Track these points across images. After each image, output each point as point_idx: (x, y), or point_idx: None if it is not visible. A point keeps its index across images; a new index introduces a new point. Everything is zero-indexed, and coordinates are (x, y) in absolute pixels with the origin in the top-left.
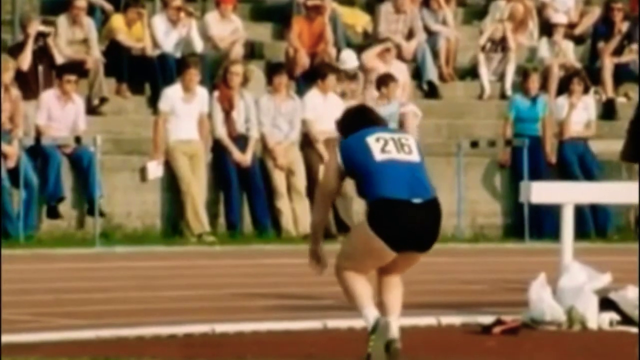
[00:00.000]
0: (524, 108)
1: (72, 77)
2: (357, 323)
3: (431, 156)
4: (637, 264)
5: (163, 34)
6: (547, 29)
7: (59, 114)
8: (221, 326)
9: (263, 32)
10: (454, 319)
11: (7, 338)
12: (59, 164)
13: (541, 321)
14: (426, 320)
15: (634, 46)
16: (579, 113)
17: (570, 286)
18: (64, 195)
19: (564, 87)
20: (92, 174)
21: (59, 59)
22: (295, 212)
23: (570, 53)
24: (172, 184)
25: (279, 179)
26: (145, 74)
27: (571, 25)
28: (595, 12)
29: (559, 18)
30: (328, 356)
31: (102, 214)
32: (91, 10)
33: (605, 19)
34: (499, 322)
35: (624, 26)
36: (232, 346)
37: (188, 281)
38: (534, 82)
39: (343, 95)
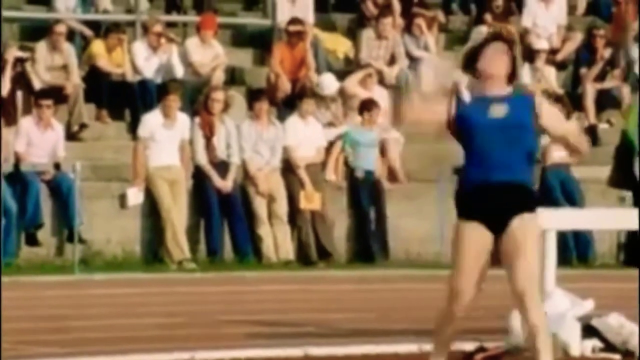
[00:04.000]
0: None
1: (49, 103)
2: (338, 350)
3: (413, 182)
4: (621, 290)
5: (143, 60)
6: (529, 55)
7: (38, 140)
8: (202, 353)
9: (244, 57)
10: (410, 347)
11: None
12: (37, 191)
13: (523, 348)
14: (407, 347)
15: (617, 72)
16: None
17: (553, 313)
18: (43, 221)
19: None
20: (72, 201)
21: (37, 85)
22: (276, 239)
23: (552, 79)
24: (152, 210)
25: (260, 206)
26: (125, 99)
27: (553, 51)
28: (578, 38)
29: (541, 44)
30: None
31: (81, 241)
32: (71, 36)
33: (587, 45)
34: (481, 349)
35: (606, 52)
36: None
37: (168, 308)
38: None
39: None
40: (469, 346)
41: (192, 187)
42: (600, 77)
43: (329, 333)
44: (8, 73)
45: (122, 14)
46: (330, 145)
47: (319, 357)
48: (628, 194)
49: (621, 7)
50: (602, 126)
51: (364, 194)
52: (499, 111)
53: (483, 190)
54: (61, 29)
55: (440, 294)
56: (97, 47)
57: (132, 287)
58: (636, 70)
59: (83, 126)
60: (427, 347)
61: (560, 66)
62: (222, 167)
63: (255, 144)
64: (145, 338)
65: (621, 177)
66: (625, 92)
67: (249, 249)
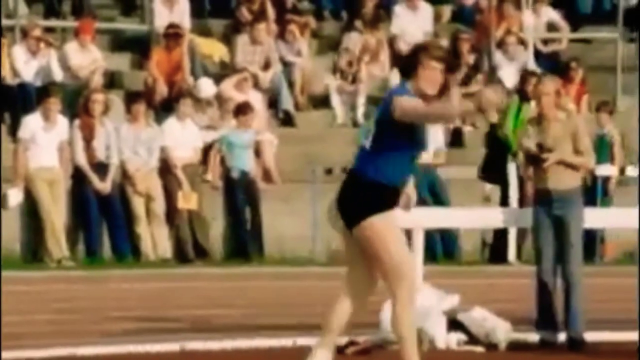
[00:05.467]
0: None
1: None
2: (213, 345)
3: (287, 183)
4: (486, 286)
5: (23, 64)
6: (398, 60)
7: None
8: (80, 349)
9: (122, 62)
10: (309, 340)
11: None
12: None
13: (392, 341)
14: (281, 342)
15: (480, 77)
16: (432, 139)
17: (420, 307)
18: None
19: None
20: None
21: None
22: (154, 237)
23: None
24: (31, 210)
25: (138, 205)
26: (5, 102)
27: None
28: (443, 44)
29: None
30: None
31: None
32: None
33: (452, 50)
34: (352, 343)
35: (470, 58)
36: None
37: (47, 305)
38: None
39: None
40: (340, 340)
41: (71, 188)
42: (465, 81)
43: (205, 328)
44: None
45: (2, 19)
46: (208, 147)
47: (196, 352)
48: (493, 194)
49: (484, 15)
50: (467, 129)
51: (240, 194)
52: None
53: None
54: None
55: (313, 290)
56: None
57: (11, 284)
58: (499, 74)
59: None
60: (301, 340)
61: None
62: (101, 169)
63: (133, 146)
64: (23, 334)
65: (491, 173)
66: None
67: (127, 248)
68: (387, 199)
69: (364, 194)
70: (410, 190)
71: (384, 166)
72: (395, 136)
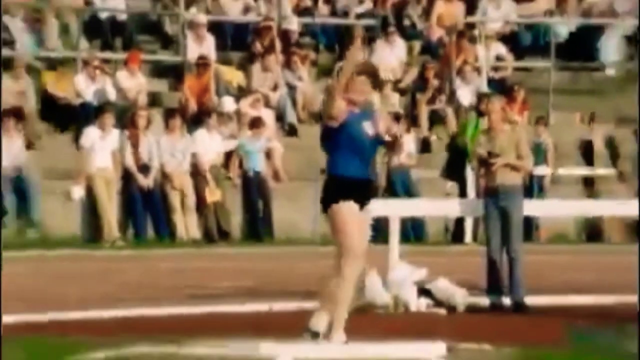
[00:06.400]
0: None
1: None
2: (237, 308)
3: (292, 181)
4: (448, 261)
5: (84, 87)
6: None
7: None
8: (139, 310)
9: (161, 85)
10: (310, 304)
11: None
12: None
13: (374, 305)
14: (289, 305)
15: (443, 97)
16: (406, 146)
17: (396, 279)
18: (7, 210)
19: None
20: (30, 195)
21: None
22: (187, 223)
23: (395, 102)
24: (91, 202)
25: (174, 198)
26: (70, 118)
27: (396, 82)
28: (414, 72)
29: (387, 76)
30: None
31: (36, 226)
32: (29, 68)
33: (421, 76)
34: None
35: (435, 82)
36: None
37: (105, 276)
38: None
39: (231, 137)
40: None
41: (121, 185)
42: (431, 100)
43: (229, 294)
44: None
45: (67, 52)
46: (230, 152)
47: (226, 313)
48: (452, 190)
49: (446, 49)
50: (433, 138)
51: (254, 190)
52: (367, 126)
53: (360, 181)
54: (20, 63)
55: (312, 265)
56: (48, 77)
57: (77, 260)
58: (458, 95)
59: (37, 138)
60: (305, 305)
61: (402, 92)
62: (145, 170)
63: (170, 152)
64: (99, 298)
65: (452, 173)
66: (449, 112)
67: (166, 232)
68: (348, 189)
69: (328, 186)
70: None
71: (337, 162)
72: (337, 137)
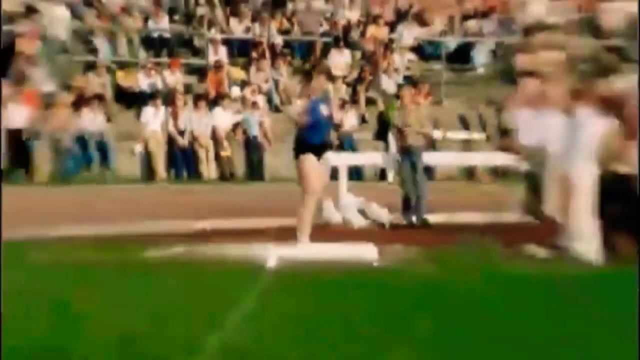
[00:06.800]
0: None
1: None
2: (242, 223)
3: (277, 142)
4: (377, 193)
5: (143, 81)
6: (330, 77)
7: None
8: (195, 224)
9: (192, 79)
10: (273, 221)
11: None
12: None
13: (330, 222)
14: (280, 221)
15: (374, 88)
16: (350, 120)
17: (344, 204)
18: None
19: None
20: (109, 152)
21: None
22: (209, 169)
23: (343, 91)
24: (147, 156)
25: (201, 153)
26: (135, 101)
27: (344, 77)
28: (356, 71)
29: (338, 73)
30: None
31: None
32: (107, 68)
33: (360, 74)
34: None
35: (369, 78)
36: None
37: (159, 200)
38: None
39: (237, 112)
40: (275, 222)
41: (167, 144)
42: (366, 90)
43: (235, 212)
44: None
45: (132, 58)
46: (237, 123)
47: (241, 228)
48: (381, 148)
49: (376, 56)
50: (367, 114)
51: (252, 148)
52: (324, 109)
53: (318, 144)
54: (101, 65)
55: (292, 194)
56: (119, 74)
57: (139, 191)
58: (384, 87)
59: (113, 114)
60: (285, 221)
61: (348, 85)
62: (182, 134)
63: (198, 123)
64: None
65: (380, 137)
66: (378, 97)
67: (195, 175)
68: (309, 149)
69: (298, 145)
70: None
71: (304, 132)
72: (305, 116)
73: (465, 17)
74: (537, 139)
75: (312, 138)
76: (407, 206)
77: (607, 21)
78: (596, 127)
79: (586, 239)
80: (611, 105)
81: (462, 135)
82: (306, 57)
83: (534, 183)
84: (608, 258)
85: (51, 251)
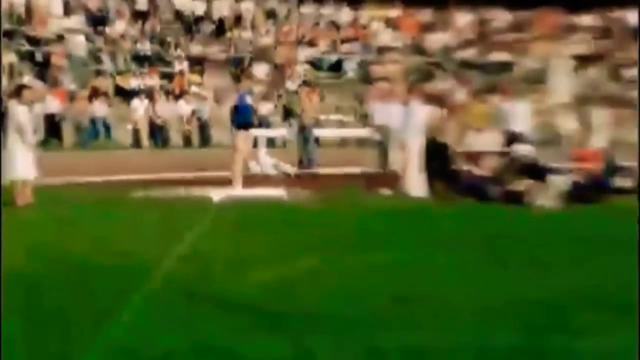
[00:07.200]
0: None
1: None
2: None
3: (220, 123)
4: (285, 155)
5: (133, 82)
6: (253, 80)
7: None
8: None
9: (164, 81)
10: (219, 174)
11: None
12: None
13: (255, 173)
14: (203, 174)
15: (282, 88)
16: (266, 107)
17: (263, 162)
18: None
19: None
20: (110, 128)
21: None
22: (177, 139)
23: (264, 90)
24: (135, 130)
25: (171, 130)
26: (127, 95)
27: (263, 80)
28: (271, 76)
29: (258, 77)
30: None
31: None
32: (110, 75)
33: (274, 79)
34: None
35: (280, 81)
36: None
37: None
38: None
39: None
40: (218, 174)
41: (149, 124)
42: (277, 89)
43: (187, 168)
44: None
45: (125, 68)
46: (194, 111)
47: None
48: (288, 125)
49: (285, 67)
50: (279, 104)
51: (203, 126)
52: (248, 99)
53: (246, 123)
54: (106, 73)
55: (226, 155)
56: (118, 77)
57: (128, 155)
58: (288, 86)
59: (113, 104)
60: (223, 173)
61: (266, 85)
62: (158, 118)
63: (169, 111)
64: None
65: (285, 119)
66: (284, 93)
67: (166, 143)
68: (241, 127)
69: (236, 124)
70: None
71: (237, 116)
72: (237, 105)
73: (341, 41)
74: (385, 120)
75: (241, 118)
76: (302, 163)
77: (429, 46)
78: (423, 112)
79: (415, 184)
80: (434, 99)
81: (337, 118)
82: (238, 67)
83: (383, 149)
84: (431, 195)
85: (75, 192)
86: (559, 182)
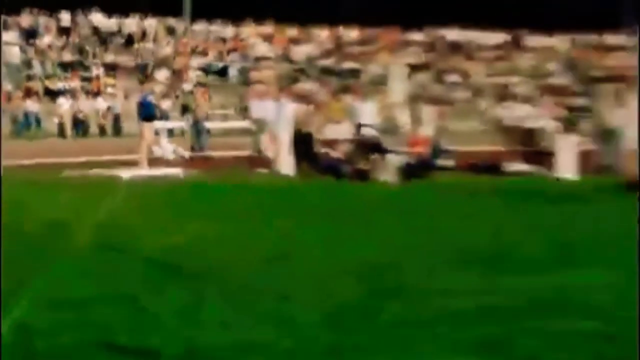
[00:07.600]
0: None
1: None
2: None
3: (129, 116)
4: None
5: (59, 85)
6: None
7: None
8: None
9: (85, 83)
10: (130, 157)
11: None
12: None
13: (159, 157)
14: (120, 157)
15: (179, 89)
16: (167, 104)
17: (164, 148)
18: None
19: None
20: (40, 121)
21: None
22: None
23: (164, 89)
24: (61, 124)
25: (90, 122)
26: (54, 95)
27: (164, 82)
28: (171, 80)
29: (160, 80)
30: None
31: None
32: (40, 79)
33: (174, 82)
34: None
35: (178, 83)
36: None
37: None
38: None
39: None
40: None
41: (72, 117)
42: (175, 90)
43: (106, 151)
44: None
45: (53, 73)
46: (109, 106)
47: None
48: (184, 121)
49: (181, 72)
50: (177, 102)
51: (116, 119)
52: (151, 98)
53: (150, 116)
54: (37, 77)
55: (134, 142)
56: (47, 82)
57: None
58: (184, 88)
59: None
60: (134, 156)
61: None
62: (80, 113)
63: (88, 107)
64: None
65: (183, 114)
66: (180, 93)
67: (86, 133)
68: (147, 119)
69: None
70: None
71: (142, 111)
72: (141, 103)
73: (227, 52)
74: (261, 115)
75: (146, 113)
76: (194, 149)
77: (296, 55)
78: (291, 108)
79: (285, 165)
80: (300, 97)
81: (223, 112)
82: (144, 72)
83: (258, 137)
84: (297, 174)
85: (11, 172)
86: (396, 160)
